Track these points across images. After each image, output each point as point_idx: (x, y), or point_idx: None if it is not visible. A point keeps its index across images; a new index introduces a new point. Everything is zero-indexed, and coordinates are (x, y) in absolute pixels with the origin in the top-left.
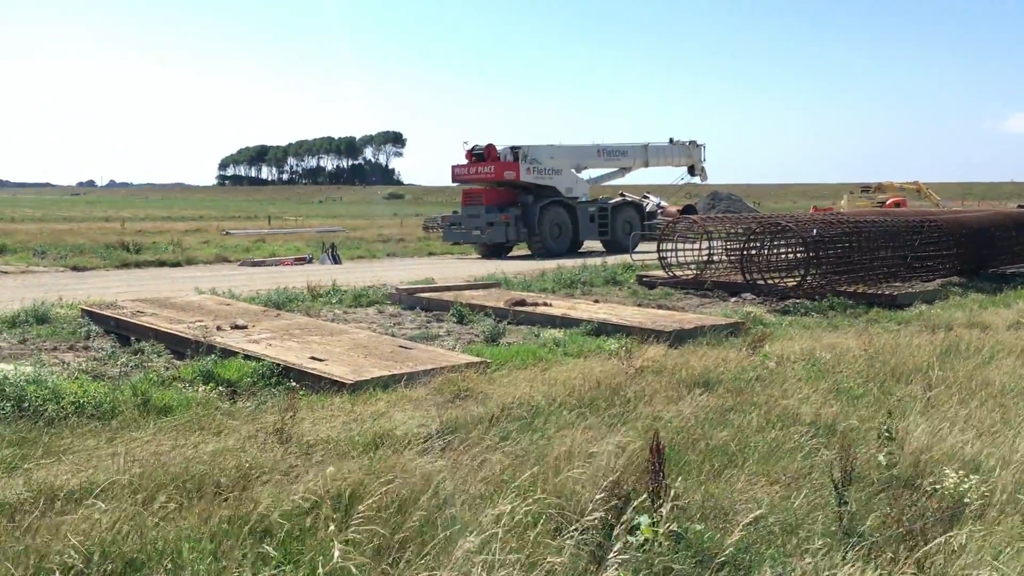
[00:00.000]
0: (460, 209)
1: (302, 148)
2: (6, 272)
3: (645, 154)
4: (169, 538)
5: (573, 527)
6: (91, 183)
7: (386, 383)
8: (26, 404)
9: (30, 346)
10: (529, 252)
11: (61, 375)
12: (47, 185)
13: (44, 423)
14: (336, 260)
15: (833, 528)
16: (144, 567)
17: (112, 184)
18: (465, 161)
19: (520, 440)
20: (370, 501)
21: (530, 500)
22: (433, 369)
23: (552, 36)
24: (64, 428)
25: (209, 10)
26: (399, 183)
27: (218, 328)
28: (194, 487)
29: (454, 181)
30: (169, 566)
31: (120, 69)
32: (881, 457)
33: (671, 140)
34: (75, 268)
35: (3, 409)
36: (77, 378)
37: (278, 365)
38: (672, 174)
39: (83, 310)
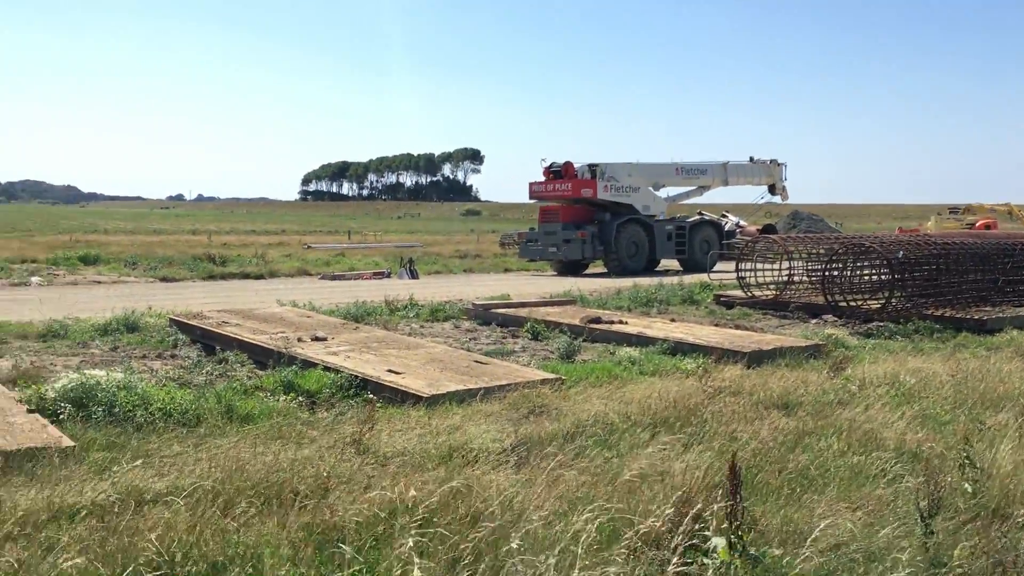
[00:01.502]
0: (537, 226)
1: (382, 164)
2: (100, 282)
3: (724, 173)
4: (249, 543)
5: (647, 547)
6: (180, 197)
7: (461, 397)
8: (117, 409)
9: (121, 353)
10: (605, 270)
11: (150, 382)
12: (138, 199)
13: (133, 428)
14: (413, 275)
15: (919, 558)
16: (226, 570)
17: (200, 198)
18: (542, 178)
19: (594, 457)
20: (445, 513)
21: (604, 518)
22: (508, 384)
23: (632, 55)
24: (152, 433)
25: (291, 33)
26: (476, 199)
27: (299, 340)
28: (274, 494)
29: (531, 198)
30: (250, 570)
31: (208, 89)
32: (967, 485)
33: (751, 158)
34: (164, 279)
35: (95, 414)
36: (165, 385)
37: (356, 377)
38: (752, 193)
39: (171, 319)
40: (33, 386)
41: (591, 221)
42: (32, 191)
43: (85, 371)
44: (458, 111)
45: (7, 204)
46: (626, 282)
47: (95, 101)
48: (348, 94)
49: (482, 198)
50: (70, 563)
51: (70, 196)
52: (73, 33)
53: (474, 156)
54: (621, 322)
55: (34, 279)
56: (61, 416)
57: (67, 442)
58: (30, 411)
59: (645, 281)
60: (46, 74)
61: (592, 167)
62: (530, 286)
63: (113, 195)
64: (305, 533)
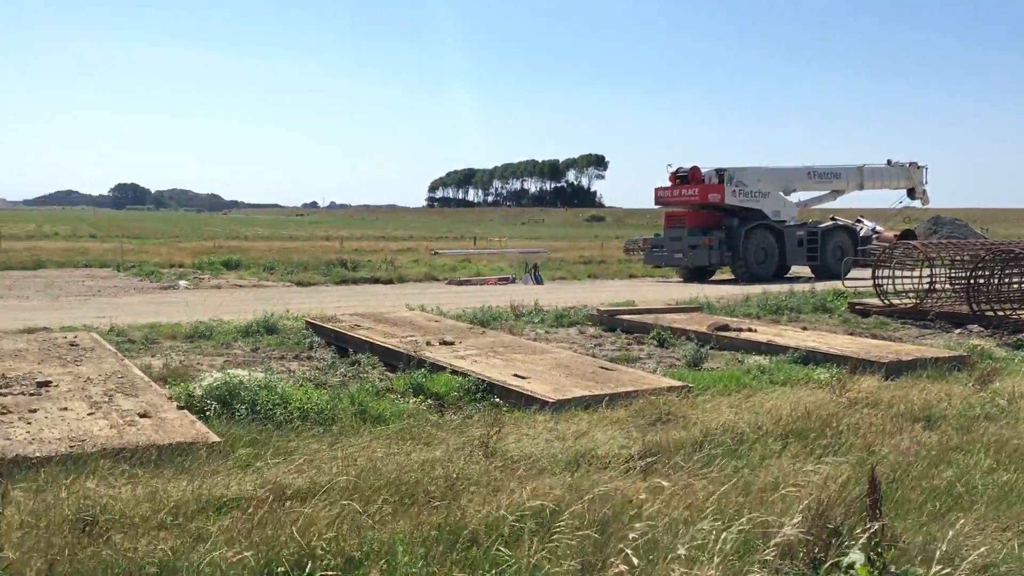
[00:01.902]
0: (662, 232)
1: (507, 171)
2: (241, 285)
3: (860, 176)
4: (384, 539)
5: (780, 560)
6: (314, 204)
7: (587, 403)
8: (258, 408)
9: (261, 354)
10: (732, 276)
11: (288, 382)
12: (276, 206)
13: (273, 426)
14: (538, 280)
15: None
16: (362, 565)
17: (332, 205)
18: (668, 184)
19: (724, 467)
20: (572, 518)
21: (734, 529)
22: (634, 391)
23: (762, 56)
24: (290, 431)
25: (420, 43)
26: (600, 205)
27: (427, 343)
28: (406, 493)
29: (657, 203)
30: (384, 566)
31: (340, 100)
32: None
33: (889, 161)
34: (299, 283)
35: (239, 411)
36: (302, 385)
37: (483, 381)
38: (889, 197)
39: (307, 322)
40: (182, 384)
41: (718, 227)
42: (179, 199)
43: (229, 371)
44: (583, 117)
45: (156, 212)
46: (754, 289)
47: (236, 114)
48: (475, 102)
49: (606, 204)
50: (218, 553)
51: (213, 204)
52: (215, 49)
53: (598, 162)
54: (750, 330)
55: (181, 283)
56: (207, 413)
57: (213, 438)
58: (179, 407)
59: (775, 288)
60: (192, 89)
61: (720, 172)
62: (655, 292)
63: (252, 203)
64: (437, 532)
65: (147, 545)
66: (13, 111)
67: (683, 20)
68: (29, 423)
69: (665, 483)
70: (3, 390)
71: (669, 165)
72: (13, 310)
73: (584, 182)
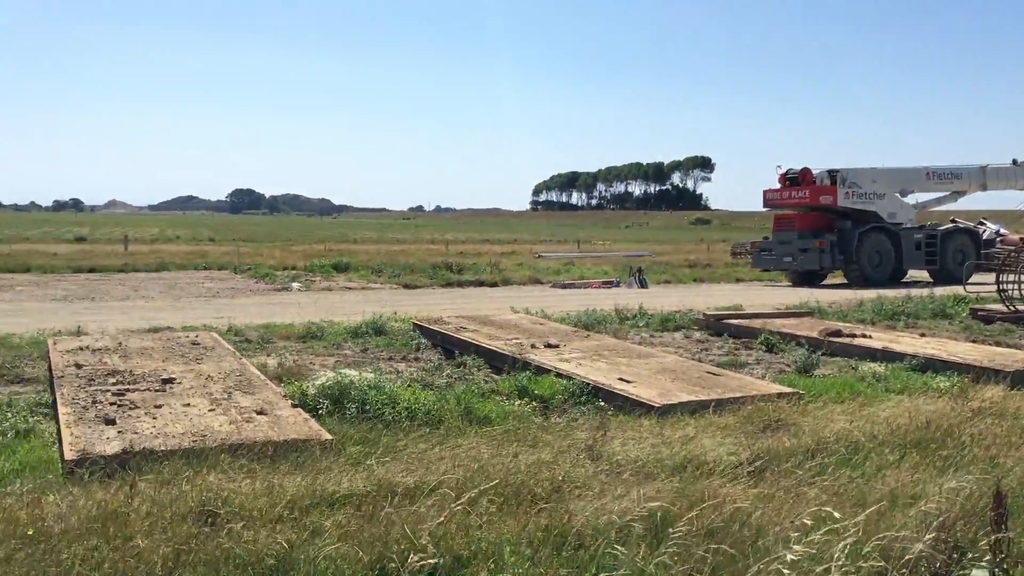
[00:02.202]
0: (771, 235)
1: (611, 174)
2: (350, 288)
3: (983, 177)
4: (491, 539)
5: (900, 574)
6: (420, 208)
7: (694, 408)
8: (368, 407)
9: (370, 355)
10: (844, 281)
11: (396, 383)
12: (383, 210)
13: (383, 425)
14: (643, 284)
15: None
16: (470, 564)
17: (438, 209)
18: (778, 185)
19: (838, 476)
20: (680, 524)
21: (851, 540)
22: (742, 397)
23: (877, 53)
24: (399, 431)
25: (525, 49)
26: (706, 208)
27: (532, 346)
28: (512, 494)
29: (765, 206)
30: (491, 566)
31: (446, 106)
32: None
33: (1014, 161)
34: (406, 286)
35: (349, 410)
36: (409, 386)
37: (588, 384)
38: (1015, 199)
39: (414, 324)
40: (295, 383)
41: (830, 229)
42: (291, 204)
43: (340, 370)
44: (688, 119)
45: (270, 216)
46: (869, 293)
47: (346, 122)
48: (578, 106)
49: (712, 207)
50: (332, 548)
51: (323, 208)
52: (325, 59)
53: (704, 164)
54: (864, 336)
55: (294, 285)
56: (320, 411)
57: (326, 436)
58: (294, 405)
59: (890, 293)
60: (305, 98)
61: (832, 173)
62: (763, 297)
63: (361, 207)
64: (543, 534)
65: (266, 537)
66: (139, 122)
67: (796, 16)
68: (155, 418)
69: (775, 491)
70: (131, 386)
71: (779, 166)
72: (139, 310)
73: (689, 184)
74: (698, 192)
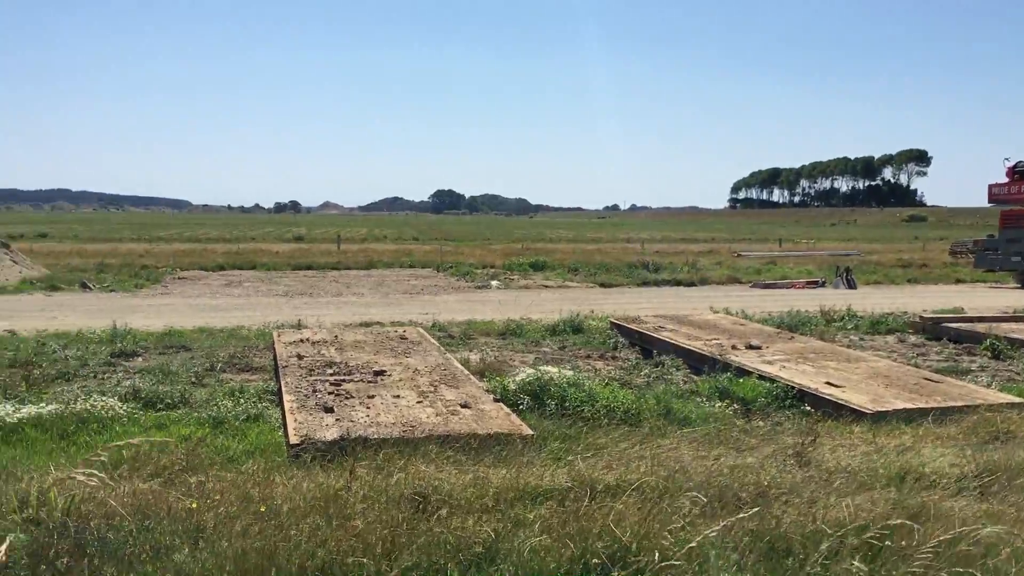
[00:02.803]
0: (997, 232)
1: (815, 170)
2: (547, 286)
3: None
4: (695, 541)
5: None
6: (615, 207)
7: (910, 416)
8: (567, 404)
9: (568, 352)
10: None
11: (594, 380)
12: (578, 209)
13: (581, 422)
14: (851, 284)
15: None
16: (673, 566)
17: (633, 208)
18: (1005, 179)
19: None
20: (898, 538)
21: None
22: (966, 406)
23: None
24: (597, 428)
25: (724, 47)
26: (921, 204)
27: (732, 347)
28: (715, 497)
29: (990, 201)
30: (696, 568)
31: (639, 104)
32: None
33: None
34: (602, 284)
35: (548, 406)
36: (608, 384)
37: (792, 388)
38: None
39: (611, 323)
40: (497, 378)
41: None
42: (489, 204)
43: (540, 367)
44: (901, 110)
45: (469, 216)
46: None
47: (542, 123)
48: (780, 99)
49: (928, 203)
50: (536, 540)
51: (521, 208)
52: (518, 63)
53: (919, 157)
54: None
55: (493, 283)
56: (520, 406)
57: (527, 431)
58: (495, 400)
59: None
60: (501, 101)
61: None
62: (987, 300)
63: (557, 206)
64: (751, 539)
65: (473, 525)
66: (350, 128)
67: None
68: (368, 407)
69: (1006, 508)
70: (346, 377)
71: (1006, 159)
72: (351, 305)
73: (902, 179)
74: (912, 187)
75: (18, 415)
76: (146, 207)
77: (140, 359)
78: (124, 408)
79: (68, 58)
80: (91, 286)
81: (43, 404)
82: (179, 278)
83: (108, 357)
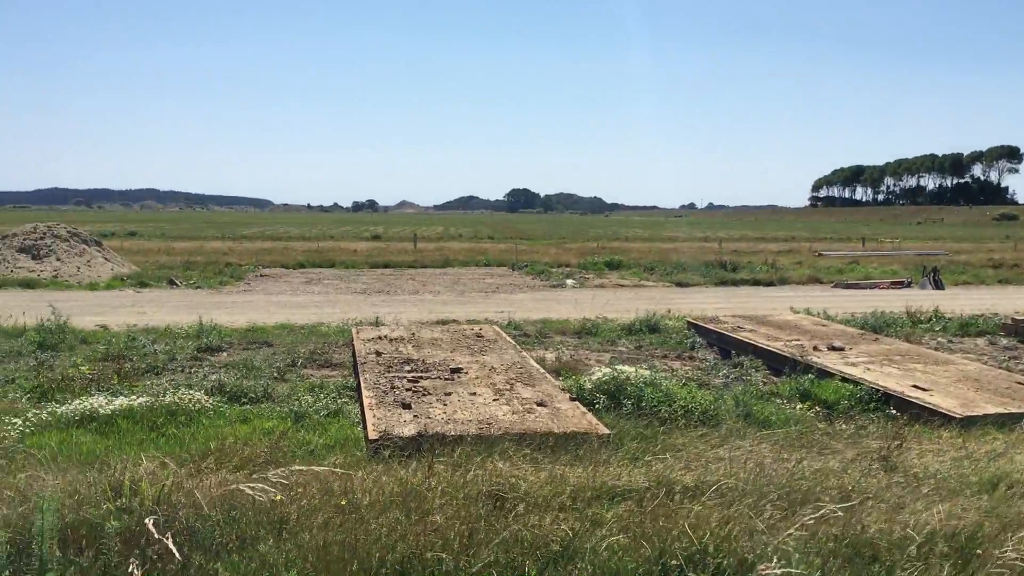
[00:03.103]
0: None
1: (900, 167)
2: (623, 285)
3: None
4: (777, 545)
5: None
6: (691, 206)
7: (1002, 421)
8: (643, 404)
9: (644, 352)
10: None
11: (671, 380)
12: (655, 208)
13: (658, 422)
14: (938, 285)
15: None
16: (754, 568)
17: (710, 206)
18: None
19: None
20: (992, 546)
21: None
22: None
23: None
24: (675, 429)
25: (800, 42)
26: (1013, 203)
27: (814, 348)
28: (797, 500)
29: None
30: (778, 572)
31: (721, 99)
32: None
33: None
34: (678, 284)
35: (625, 406)
36: (685, 384)
37: (877, 390)
38: None
39: (688, 322)
40: (573, 377)
41: None
42: (564, 203)
43: (616, 366)
44: (992, 104)
45: (544, 215)
46: None
47: (616, 123)
48: (863, 94)
49: (1020, 201)
50: (613, 539)
51: (595, 206)
52: (594, 64)
53: (1011, 154)
54: None
55: (569, 282)
56: (596, 406)
57: (603, 430)
58: (571, 399)
59: None
60: (576, 101)
61: None
62: None
63: (632, 205)
64: (834, 544)
65: (550, 523)
66: (427, 128)
67: None
68: (445, 404)
69: None
70: (424, 374)
71: None
72: (428, 303)
73: (993, 177)
74: (1004, 185)
75: (111, 407)
76: (229, 206)
77: (225, 354)
78: (210, 402)
79: (156, 66)
80: (178, 283)
81: (134, 396)
82: (261, 275)
83: (194, 352)
